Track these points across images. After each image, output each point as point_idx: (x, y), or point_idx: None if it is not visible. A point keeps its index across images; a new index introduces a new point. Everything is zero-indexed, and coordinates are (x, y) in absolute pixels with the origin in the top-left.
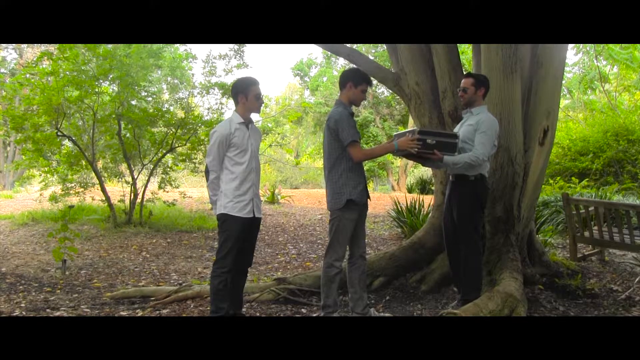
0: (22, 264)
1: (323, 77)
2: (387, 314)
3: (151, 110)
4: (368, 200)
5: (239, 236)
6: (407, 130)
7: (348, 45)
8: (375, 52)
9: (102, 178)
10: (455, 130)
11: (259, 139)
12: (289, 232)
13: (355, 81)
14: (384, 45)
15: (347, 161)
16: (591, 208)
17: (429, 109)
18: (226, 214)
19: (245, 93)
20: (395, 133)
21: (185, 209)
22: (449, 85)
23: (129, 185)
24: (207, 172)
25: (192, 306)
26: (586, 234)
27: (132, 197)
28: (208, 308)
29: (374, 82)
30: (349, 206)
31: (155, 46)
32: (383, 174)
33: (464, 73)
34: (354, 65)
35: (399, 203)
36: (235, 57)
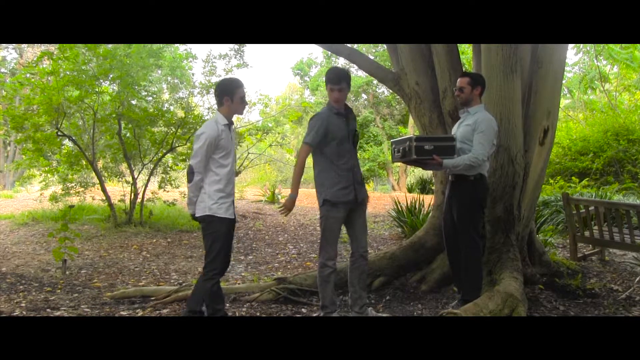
0: (23, 264)
1: (323, 77)
2: (385, 314)
3: (151, 110)
4: (356, 199)
5: (226, 237)
6: (404, 137)
7: (348, 45)
8: (375, 52)
9: (103, 178)
10: (453, 130)
11: (235, 140)
12: (289, 232)
13: (325, 82)
14: (384, 45)
15: (322, 162)
16: (591, 208)
17: (429, 109)
18: (212, 216)
19: (230, 95)
20: (392, 140)
21: (185, 209)
22: (449, 85)
23: (129, 185)
24: (189, 172)
25: None
26: (586, 233)
27: (132, 196)
28: None
29: (374, 81)
30: (331, 205)
31: (155, 46)
32: (383, 174)
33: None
34: (354, 65)
35: (399, 203)
36: (235, 57)
